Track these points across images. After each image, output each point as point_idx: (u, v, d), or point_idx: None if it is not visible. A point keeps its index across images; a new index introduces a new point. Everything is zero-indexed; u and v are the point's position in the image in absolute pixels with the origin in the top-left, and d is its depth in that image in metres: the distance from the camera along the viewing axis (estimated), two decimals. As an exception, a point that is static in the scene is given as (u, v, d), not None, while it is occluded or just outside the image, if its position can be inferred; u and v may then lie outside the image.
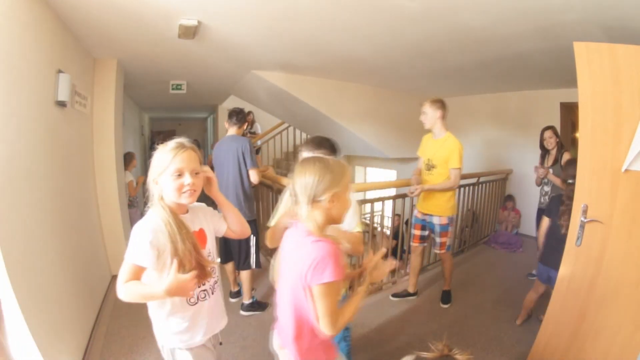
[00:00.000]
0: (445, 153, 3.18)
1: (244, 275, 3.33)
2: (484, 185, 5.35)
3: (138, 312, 3.24)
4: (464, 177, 4.83)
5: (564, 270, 2.20)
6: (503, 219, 5.97)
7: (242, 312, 3.35)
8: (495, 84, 5.37)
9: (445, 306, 3.50)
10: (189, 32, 3.00)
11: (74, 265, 2.79)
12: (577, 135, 7.56)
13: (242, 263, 3.32)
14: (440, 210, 3.33)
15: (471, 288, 3.96)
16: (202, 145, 13.08)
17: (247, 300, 3.37)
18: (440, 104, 3.18)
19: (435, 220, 3.36)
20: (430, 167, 3.33)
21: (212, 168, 7.96)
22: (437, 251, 3.48)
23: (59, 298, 2.36)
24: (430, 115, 3.20)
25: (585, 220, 2.08)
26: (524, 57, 3.67)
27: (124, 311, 3.29)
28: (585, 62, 2.03)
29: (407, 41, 3.36)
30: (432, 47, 3.51)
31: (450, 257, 3.55)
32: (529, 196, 5.70)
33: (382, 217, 5.30)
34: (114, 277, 3.95)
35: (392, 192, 5.44)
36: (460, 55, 3.77)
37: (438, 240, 3.40)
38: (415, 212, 3.60)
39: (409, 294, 3.67)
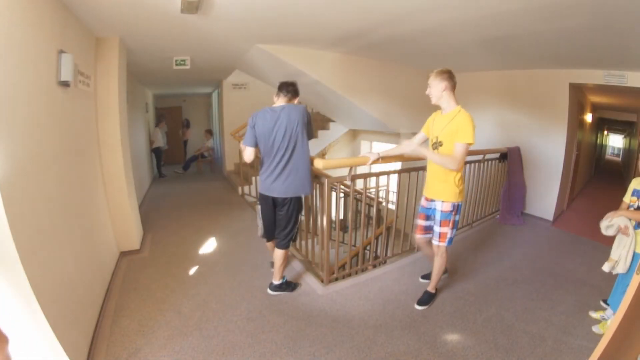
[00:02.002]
0: (453, 127, 2.73)
1: (278, 253, 3.22)
2: (490, 162, 5.31)
3: (146, 288, 3.35)
4: (469, 153, 4.78)
5: (631, 304, 1.67)
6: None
7: (270, 292, 3.31)
8: (504, 61, 5.24)
9: (420, 308, 3.08)
10: (192, 7, 2.94)
11: (82, 242, 2.84)
12: (585, 117, 7.50)
13: (280, 240, 3.19)
14: (445, 194, 2.89)
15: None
16: (208, 119, 13.05)
17: (276, 281, 3.31)
18: (447, 74, 2.77)
19: (438, 206, 2.93)
20: (436, 145, 2.88)
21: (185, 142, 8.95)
22: (436, 243, 3.00)
23: (69, 274, 2.41)
24: (435, 87, 2.79)
25: None
26: (536, 35, 3.57)
27: (132, 287, 3.38)
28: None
29: (415, 17, 3.27)
30: (443, 23, 3.40)
31: (445, 254, 3.04)
32: (534, 175, 5.71)
33: (387, 192, 5.35)
34: (121, 254, 4.03)
35: (398, 166, 5.44)
36: (470, 32, 3.67)
37: (437, 229, 2.96)
38: (422, 200, 3.16)
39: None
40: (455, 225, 2.97)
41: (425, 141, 3.18)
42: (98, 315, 2.84)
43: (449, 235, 2.95)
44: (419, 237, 3.18)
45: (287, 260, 3.33)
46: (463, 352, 2.52)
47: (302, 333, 2.73)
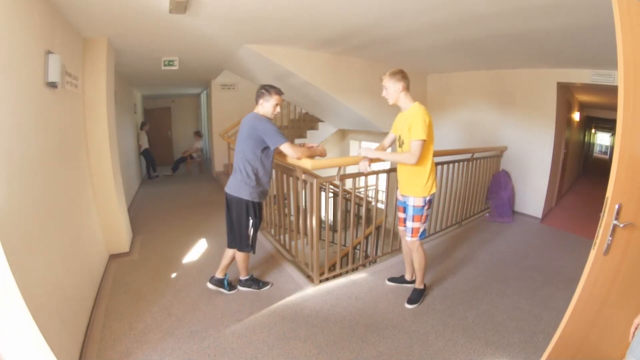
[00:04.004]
0: (409, 124, 2.77)
1: (235, 255, 3.26)
2: (478, 161, 5.35)
3: (136, 290, 3.32)
4: (458, 152, 4.87)
5: (588, 279, 1.72)
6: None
7: (240, 288, 3.37)
8: (492, 60, 5.28)
9: (410, 307, 3.10)
10: (180, 7, 2.93)
11: (71, 246, 2.81)
12: (573, 116, 7.57)
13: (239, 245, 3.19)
14: (415, 190, 2.95)
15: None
16: (198, 122, 12.99)
17: (243, 277, 3.36)
18: (401, 75, 2.81)
19: (410, 202, 2.99)
20: (400, 144, 2.97)
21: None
22: (409, 239, 3.06)
23: (58, 278, 2.38)
24: (391, 89, 2.84)
25: (621, 225, 1.60)
26: (522, 35, 3.60)
27: (123, 289, 3.35)
28: (629, 25, 1.56)
29: (405, 15, 3.29)
30: (433, 20, 3.40)
31: (420, 248, 3.08)
32: (523, 174, 5.77)
33: (377, 191, 5.36)
34: (111, 256, 3.99)
35: (387, 165, 5.46)
36: (458, 32, 3.70)
37: (410, 224, 3.02)
38: (397, 193, 3.27)
39: (406, 281, 3.42)
40: (427, 219, 3.05)
41: (394, 141, 3.19)
42: (88, 318, 2.81)
43: (420, 230, 3.02)
44: (401, 229, 3.26)
45: (230, 262, 3.32)
46: (454, 350, 2.54)
47: (293, 333, 2.72)
